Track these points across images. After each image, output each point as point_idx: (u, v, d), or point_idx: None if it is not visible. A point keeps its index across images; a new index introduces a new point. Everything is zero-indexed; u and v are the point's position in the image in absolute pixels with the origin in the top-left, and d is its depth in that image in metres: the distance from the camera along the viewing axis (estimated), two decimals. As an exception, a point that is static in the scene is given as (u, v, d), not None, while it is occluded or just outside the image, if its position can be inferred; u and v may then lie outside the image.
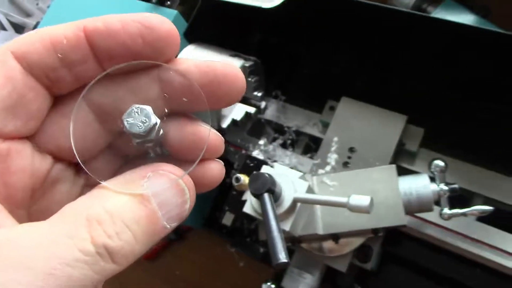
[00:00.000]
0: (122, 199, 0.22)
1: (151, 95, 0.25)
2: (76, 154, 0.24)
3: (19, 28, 1.04)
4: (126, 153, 0.28)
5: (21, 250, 0.20)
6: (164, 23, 0.24)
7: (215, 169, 0.27)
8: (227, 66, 0.25)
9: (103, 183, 0.23)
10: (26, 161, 0.24)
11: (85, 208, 0.22)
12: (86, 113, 0.25)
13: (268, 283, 0.58)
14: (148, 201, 0.23)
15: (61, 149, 0.25)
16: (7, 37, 0.99)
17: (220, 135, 0.27)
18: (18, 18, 0.99)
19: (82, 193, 0.26)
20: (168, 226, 0.23)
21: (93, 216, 0.21)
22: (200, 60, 0.25)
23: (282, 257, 0.39)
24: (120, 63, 0.24)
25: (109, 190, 0.23)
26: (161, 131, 0.25)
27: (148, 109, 0.24)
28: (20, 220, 0.23)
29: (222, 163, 0.27)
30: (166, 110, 0.25)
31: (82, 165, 0.24)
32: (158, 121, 0.24)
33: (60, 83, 0.24)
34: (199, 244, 0.83)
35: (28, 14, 1.01)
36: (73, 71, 0.24)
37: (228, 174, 0.68)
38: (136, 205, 0.22)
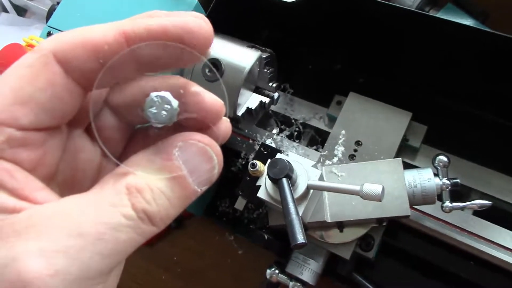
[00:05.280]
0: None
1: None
2: (113, 158, 0.26)
3: (21, 11, 1.04)
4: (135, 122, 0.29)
5: (71, 219, 0.22)
6: (203, 26, 0.24)
7: (224, 127, 0.28)
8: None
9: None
10: (60, 142, 0.26)
11: (123, 177, 0.24)
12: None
13: (273, 269, 0.60)
14: (180, 169, 0.24)
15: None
16: (9, 19, 0.98)
17: (219, 99, 0.27)
18: (21, 0, 0.99)
19: (102, 158, 0.29)
20: (199, 190, 0.25)
21: (132, 185, 0.23)
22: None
23: (300, 238, 0.41)
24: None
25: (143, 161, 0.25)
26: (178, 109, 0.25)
27: (168, 95, 0.24)
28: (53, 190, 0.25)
29: (228, 119, 0.29)
30: (181, 91, 0.26)
31: (118, 162, 0.25)
32: (177, 102, 0.24)
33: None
34: (197, 232, 0.84)
35: (31, -3, 1.00)
36: (112, 73, 0.25)
37: (234, 163, 0.70)
38: (169, 174, 0.24)
